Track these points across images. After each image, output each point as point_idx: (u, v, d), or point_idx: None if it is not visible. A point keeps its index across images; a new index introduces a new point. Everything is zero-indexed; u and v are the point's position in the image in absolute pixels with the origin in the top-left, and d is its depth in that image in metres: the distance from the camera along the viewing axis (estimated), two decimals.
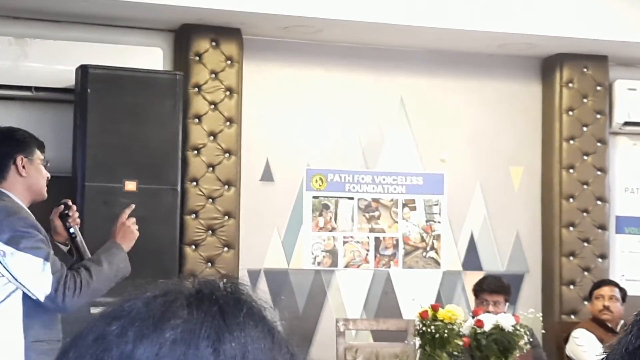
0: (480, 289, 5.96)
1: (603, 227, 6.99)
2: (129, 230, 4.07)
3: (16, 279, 3.72)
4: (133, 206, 4.17)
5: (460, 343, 5.01)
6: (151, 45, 6.25)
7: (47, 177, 4.01)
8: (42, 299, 3.72)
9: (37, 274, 3.71)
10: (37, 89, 5.95)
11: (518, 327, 5.07)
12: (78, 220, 4.09)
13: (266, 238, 6.55)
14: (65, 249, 4.09)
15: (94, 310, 5.08)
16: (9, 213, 3.79)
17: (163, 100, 5.87)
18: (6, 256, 3.71)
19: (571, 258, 6.91)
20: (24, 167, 3.91)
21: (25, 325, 3.76)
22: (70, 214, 4.05)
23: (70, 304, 3.75)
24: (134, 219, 4.14)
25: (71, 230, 4.04)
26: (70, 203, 4.11)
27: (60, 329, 3.89)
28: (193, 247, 6.15)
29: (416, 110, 6.92)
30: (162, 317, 0.87)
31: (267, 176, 6.60)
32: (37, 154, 3.99)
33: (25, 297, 3.76)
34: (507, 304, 5.98)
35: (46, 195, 4.01)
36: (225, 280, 0.92)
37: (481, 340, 5.01)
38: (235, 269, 6.14)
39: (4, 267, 3.72)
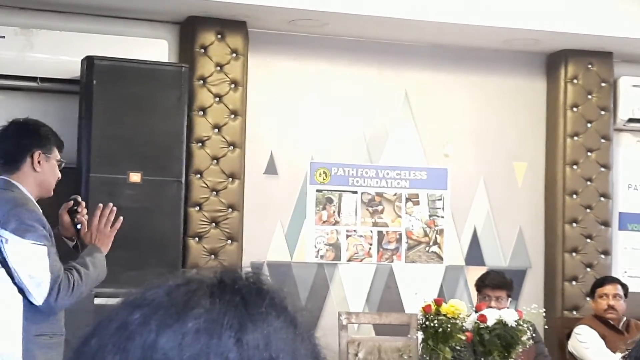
0: (482, 284, 5.94)
1: (606, 224, 6.98)
2: (105, 235, 4.05)
3: (15, 270, 3.70)
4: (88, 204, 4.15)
5: (463, 338, 5.01)
6: (157, 37, 6.25)
7: (58, 177, 4.03)
8: (34, 294, 3.71)
9: (37, 267, 3.71)
10: (43, 79, 5.95)
11: (521, 323, 5.08)
12: (87, 216, 4.09)
13: (269, 231, 6.56)
14: (71, 244, 4.10)
15: (98, 301, 5.09)
16: (17, 204, 3.80)
17: (168, 92, 5.87)
18: (8, 243, 3.70)
19: (574, 254, 6.91)
20: (39, 162, 3.92)
21: (28, 318, 3.75)
22: (79, 210, 4.06)
23: (60, 304, 3.76)
24: (112, 219, 4.09)
25: (78, 226, 4.05)
26: (79, 199, 4.12)
27: (63, 322, 3.88)
28: (197, 239, 6.15)
29: (420, 105, 6.92)
30: (185, 306, 0.86)
31: (271, 169, 6.60)
32: (55, 153, 4.00)
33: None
34: (510, 299, 5.98)
35: (52, 193, 4.03)
36: (247, 270, 0.92)
37: (484, 335, 5.01)
38: (238, 261, 6.15)
39: (4, 256, 3.71)
